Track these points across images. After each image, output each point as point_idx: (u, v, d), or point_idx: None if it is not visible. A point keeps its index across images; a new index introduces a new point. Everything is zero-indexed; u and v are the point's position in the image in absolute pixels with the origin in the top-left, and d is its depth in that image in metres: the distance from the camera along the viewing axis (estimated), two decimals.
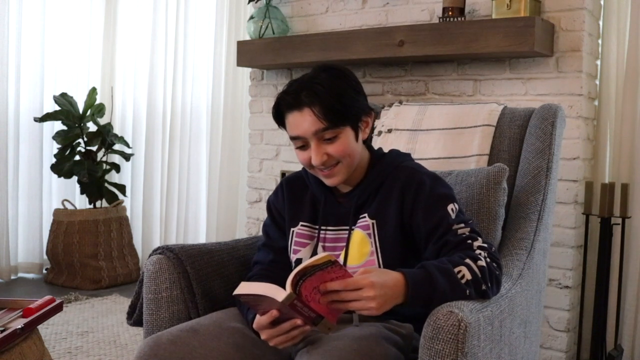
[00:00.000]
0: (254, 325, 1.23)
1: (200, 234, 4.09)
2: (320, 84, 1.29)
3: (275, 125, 1.40)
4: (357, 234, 1.37)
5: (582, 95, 2.30)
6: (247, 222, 3.36)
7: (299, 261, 1.40)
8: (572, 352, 2.39)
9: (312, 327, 1.16)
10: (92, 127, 3.88)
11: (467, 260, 1.20)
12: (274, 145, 3.22)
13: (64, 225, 3.66)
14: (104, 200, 3.86)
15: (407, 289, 1.14)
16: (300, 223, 1.44)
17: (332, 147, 1.31)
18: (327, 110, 1.28)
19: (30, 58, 3.84)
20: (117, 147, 3.93)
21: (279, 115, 1.36)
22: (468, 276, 1.18)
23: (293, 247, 1.44)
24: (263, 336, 1.21)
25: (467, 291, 1.17)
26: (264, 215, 2.99)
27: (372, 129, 1.93)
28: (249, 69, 3.32)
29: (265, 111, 3.25)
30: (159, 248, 1.53)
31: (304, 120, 1.29)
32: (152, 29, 3.98)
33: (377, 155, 1.44)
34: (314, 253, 1.40)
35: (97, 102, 3.88)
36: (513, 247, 1.54)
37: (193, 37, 3.99)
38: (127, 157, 3.90)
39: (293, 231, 1.45)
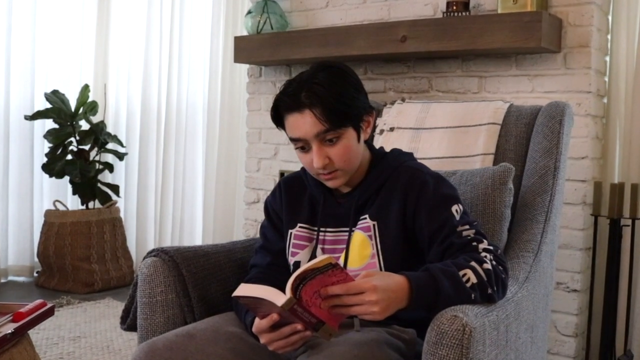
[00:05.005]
0: (254, 329, 1.21)
1: (196, 236, 4.10)
2: (319, 84, 1.27)
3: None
4: (358, 236, 1.35)
5: (591, 92, 2.30)
6: (245, 223, 3.35)
7: (297, 264, 1.40)
8: (581, 357, 2.38)
9: (313, 333, 1.14)
10: (84, 125, 3.85)
11: (473, 263, 1.19)
12: (272, 144, 3.20)
13: (56, 226, 3.63)
14: (96, 201, 3.83)
15: (410, 293, 1.13)
16: (299, 225, 1.43)
17: (333, 150, 1.29)
18: (328, 111, 1.26)
19: (21, 54, 3.80)
20: (110, 146, 3.90)
21: (278, 117, 1.34)
22: (473, 279, 1.17)
23: (291, 249, 1.43)
24: (262, 340, 1.20)
25: (473, 295, 1.16)
26: (261, 216, 2.98)
27: (374, 127, 1.91)
28: (247, 66, 3.31)
29: (263, 109, 3.24)
30: (153, 250, 1.52)
31: (304, 122, 1.27)
32: (146, 24, 3.97)
33: (378, 155, 1.42)
34: (313, 256, 1.39)
35: (90, 99, 3.85)
36: (519, 249, 1.53)
37: (189, 32, 4.00)
38: (120, 156, 3.88)
39: (291, 233, 1.44)
